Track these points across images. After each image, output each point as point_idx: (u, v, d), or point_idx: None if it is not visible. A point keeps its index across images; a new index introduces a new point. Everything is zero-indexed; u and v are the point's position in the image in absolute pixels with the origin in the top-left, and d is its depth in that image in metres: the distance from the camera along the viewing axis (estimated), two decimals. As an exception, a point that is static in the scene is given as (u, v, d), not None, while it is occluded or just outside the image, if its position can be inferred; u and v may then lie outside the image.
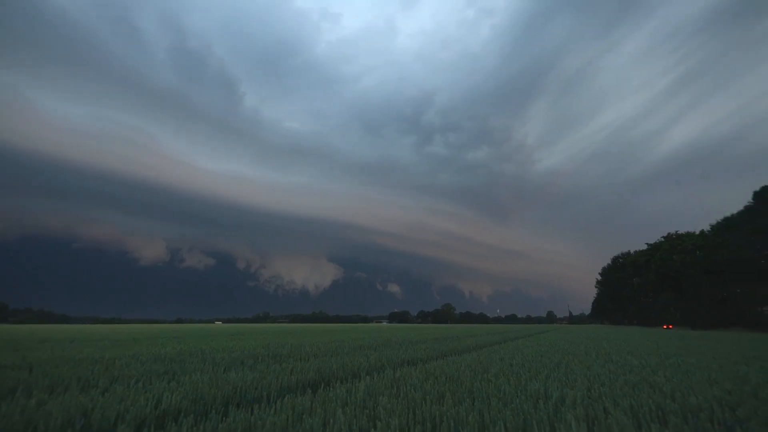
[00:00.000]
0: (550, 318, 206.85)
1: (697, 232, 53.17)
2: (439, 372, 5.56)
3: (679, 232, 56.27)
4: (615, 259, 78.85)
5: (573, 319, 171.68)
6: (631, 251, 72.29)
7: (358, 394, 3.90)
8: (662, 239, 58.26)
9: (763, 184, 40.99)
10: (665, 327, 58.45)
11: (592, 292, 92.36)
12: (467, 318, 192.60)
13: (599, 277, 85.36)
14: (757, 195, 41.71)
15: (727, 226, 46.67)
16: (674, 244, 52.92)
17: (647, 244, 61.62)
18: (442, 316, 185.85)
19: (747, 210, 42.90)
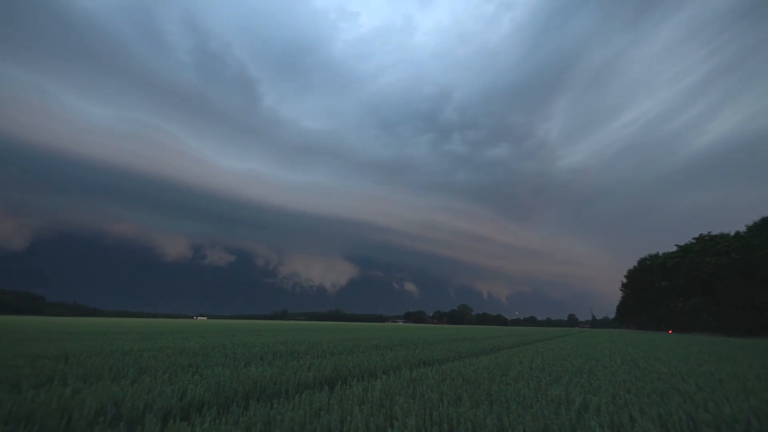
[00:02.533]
0: (572, 321, 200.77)
1: (732, 234, 50.30)
2: (456, 374, 5.50)
3: (712, 234, 53.38)
4: (642, 261, 75.60)
5: (596, 323, 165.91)
6: (659, 253, 69.11)
7: (374, 392, 3.92)
8: (693, 241, 55.37)
9: (806, 183, 38.34)
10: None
11: (617, 296, 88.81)
12: (484, 319, 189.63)
13: (624, 280, 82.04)
14: (800, 194, 39.08)
15: (765, 226, 43.94)
16: (707, 246, 50.19)
17: (677, 245, 58.74)
18: (459, 316, 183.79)
19: (789, 210, 40.26)
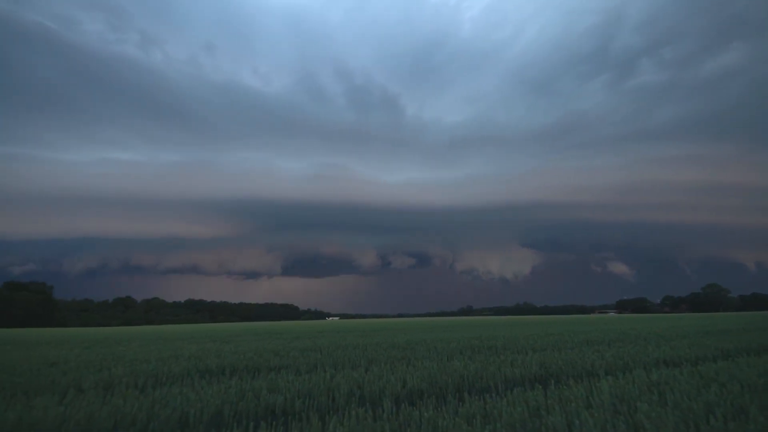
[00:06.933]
0: None
1: None
2: (726, 377, 4.01)
3: None
4: None
5: None
6: None
7: (602, 395, 3.33)
8: None
9: None
10: None
11: None
12: (756, 301, 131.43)
13: None
14: None
15: None
16: None
17: None
18: (707, 301, 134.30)
19: None
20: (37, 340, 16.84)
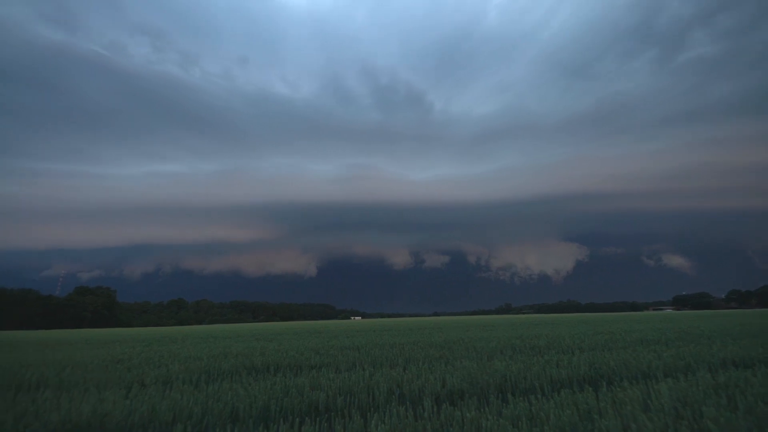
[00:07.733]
0: None
1: None
2: (813, 381, 3.55)
3: None
4: None
5: None
6: None
7: (662, 398, 3.08)
8: None
9: None
10: None
11: None
12: None
13: None
14: None
15: None
16: None
17: None
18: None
19: None
20: (104, 339, 18.61)
